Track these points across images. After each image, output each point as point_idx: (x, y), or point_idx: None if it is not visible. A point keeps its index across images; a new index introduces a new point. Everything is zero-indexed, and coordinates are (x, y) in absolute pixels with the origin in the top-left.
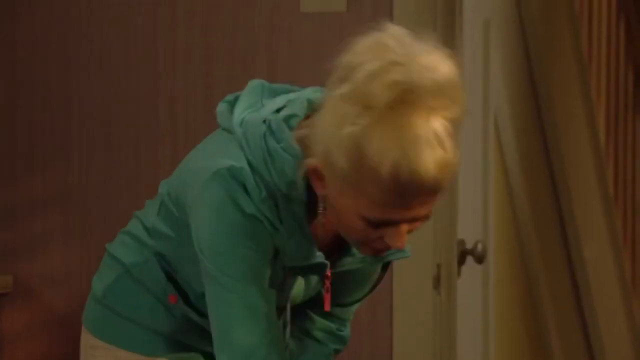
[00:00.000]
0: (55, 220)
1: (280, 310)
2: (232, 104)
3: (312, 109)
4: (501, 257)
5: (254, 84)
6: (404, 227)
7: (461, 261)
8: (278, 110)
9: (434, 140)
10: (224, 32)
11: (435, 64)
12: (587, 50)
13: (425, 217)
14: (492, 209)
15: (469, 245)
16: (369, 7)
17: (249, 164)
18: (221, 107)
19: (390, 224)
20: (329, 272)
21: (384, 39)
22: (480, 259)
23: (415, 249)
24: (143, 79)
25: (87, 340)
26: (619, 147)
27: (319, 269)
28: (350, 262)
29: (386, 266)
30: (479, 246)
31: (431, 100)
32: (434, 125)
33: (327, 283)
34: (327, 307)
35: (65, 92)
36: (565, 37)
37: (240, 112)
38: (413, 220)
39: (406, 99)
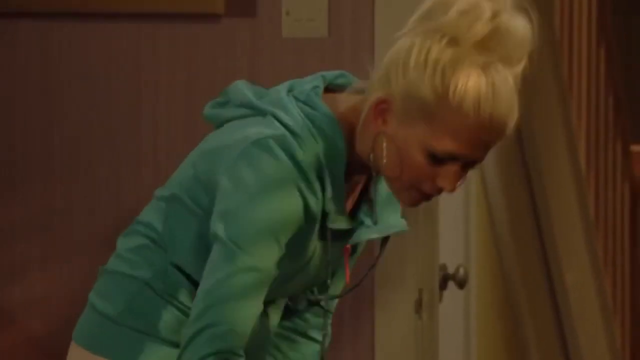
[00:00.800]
0: (36, 245)
1: (321, 286)
2: (221, 105)
3: (328, 83)
4: (483, 282)
5: (243, 82)
6: (459, 171)
7: (443, 286)
8: (287, 92)
9: (510, 86)
10: (206, 58)
11: (518, 17)
12: (567, 77)
13: (477, 164)
14: (474, 233)
15: (450, 270)
16: (350, 32)
17: (289, 131)
18: (213, 109)
19: (451, 161)
20: (348, 245)
21: None
22: (461, 284)
23: (397, 273)
24: (125, 104)
25: None
26: (599, 173)
27: (346, 236)
28: (365, 233)
29: (384, 244)
30: (461, 270)
31: (511, 49)
32: (508, 72)
33: (346, 256)
34: (348, 279)
35: (46, 116)
36: (545, 64)
37: (252, 98)
38: (470, 163)
39: (493, 39)
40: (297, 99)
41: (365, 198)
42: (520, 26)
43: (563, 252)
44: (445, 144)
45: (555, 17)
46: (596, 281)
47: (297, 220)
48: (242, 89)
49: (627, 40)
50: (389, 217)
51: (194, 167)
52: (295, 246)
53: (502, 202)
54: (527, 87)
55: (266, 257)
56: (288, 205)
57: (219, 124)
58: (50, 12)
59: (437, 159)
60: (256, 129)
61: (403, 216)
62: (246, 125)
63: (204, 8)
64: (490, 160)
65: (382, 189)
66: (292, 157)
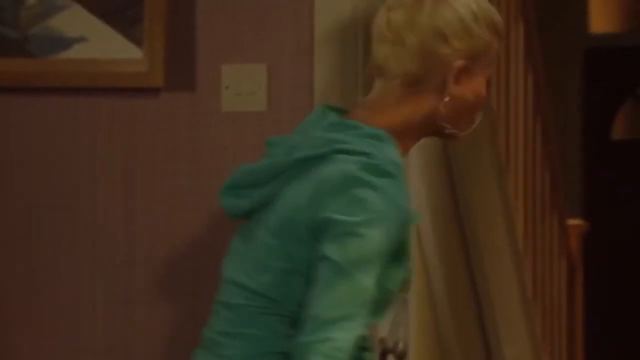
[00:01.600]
0: None
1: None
2: (250, 187)
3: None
4: (422, 356)
5: (246, 165)
6: None
7: None
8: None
9: None
10: (146, 132)
11: None
12: (504, 151)
13: None
14: (413, 308)
15: (389, 344)
16: (289, 106)
17: (361, 154)
18: (241, 196)
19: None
20: None
21: None
22: (401, 358)
23: None
24: (63, 180)
25: None
26: (537, 247)
27: None
28: None
29: None
30: (400, 344)
31: None
32: None
33: None
34: None
35: None
36: (482, 139)
37: (292, 155)
38: None
39: None
40: (334, 131)
41: None
42: None
43: (502, 326)
44: (492, 68)
45: (491, 93)
46: (535, 356)
47: (400, 236)
48: (259, 165)
49: (563, 113)
50: None
51: (280, 237)
52: (406, 249)
53: (440, 273)
54: (465, 161)
55: (370, 277)
56: (393, 225)
57: (265, 201)
58: None
59: (489, 80)
60: (337, 168)
61: None
62: (326, 171)
63: (143, 82)
64: (429, 232)
65: None
66: (386, 175)
